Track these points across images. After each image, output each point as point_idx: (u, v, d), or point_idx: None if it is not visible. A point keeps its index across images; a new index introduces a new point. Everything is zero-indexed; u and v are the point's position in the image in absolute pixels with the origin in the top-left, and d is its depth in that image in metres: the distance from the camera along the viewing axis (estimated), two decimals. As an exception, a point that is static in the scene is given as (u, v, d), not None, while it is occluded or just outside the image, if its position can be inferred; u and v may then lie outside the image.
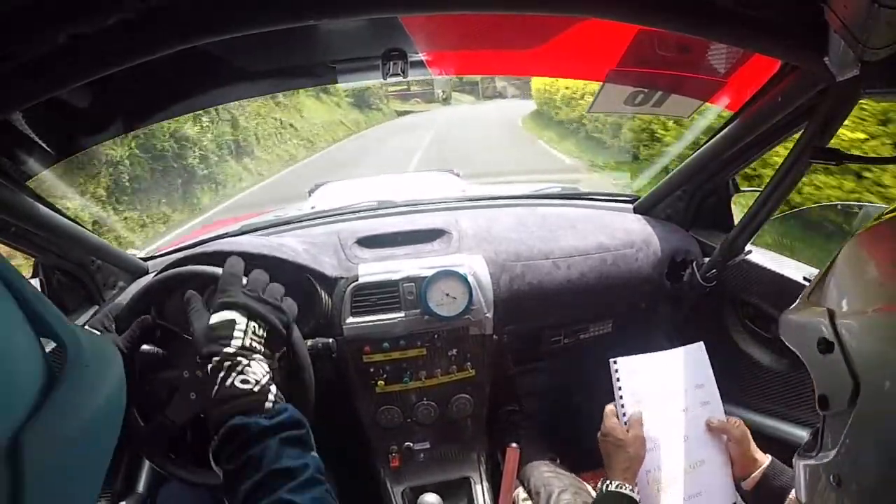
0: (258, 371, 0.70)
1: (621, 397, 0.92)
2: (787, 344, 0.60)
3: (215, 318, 0.74)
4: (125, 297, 1.06)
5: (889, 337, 0.46)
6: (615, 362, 0.93)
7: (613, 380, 0.93)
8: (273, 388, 0.70)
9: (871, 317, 0.47)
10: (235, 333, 0.72)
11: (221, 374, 0.69)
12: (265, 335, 0.75)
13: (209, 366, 0.70)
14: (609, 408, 0.92)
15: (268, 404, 0.67)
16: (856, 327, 0.49)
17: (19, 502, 0.24)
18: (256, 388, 0.68)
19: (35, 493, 0.25)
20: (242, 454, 0.62)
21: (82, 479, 0.31)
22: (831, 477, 0.50)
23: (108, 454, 0.34)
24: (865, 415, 0.46)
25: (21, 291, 0.29)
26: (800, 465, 0.57)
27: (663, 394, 0.93)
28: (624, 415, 0.90)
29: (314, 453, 0.65)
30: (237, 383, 0.68)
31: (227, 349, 0.71)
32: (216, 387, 0.68)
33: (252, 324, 0.74)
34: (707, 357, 0.98)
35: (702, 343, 0.99)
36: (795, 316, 0.59)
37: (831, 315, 0.52)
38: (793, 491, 0.81)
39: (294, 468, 0.61)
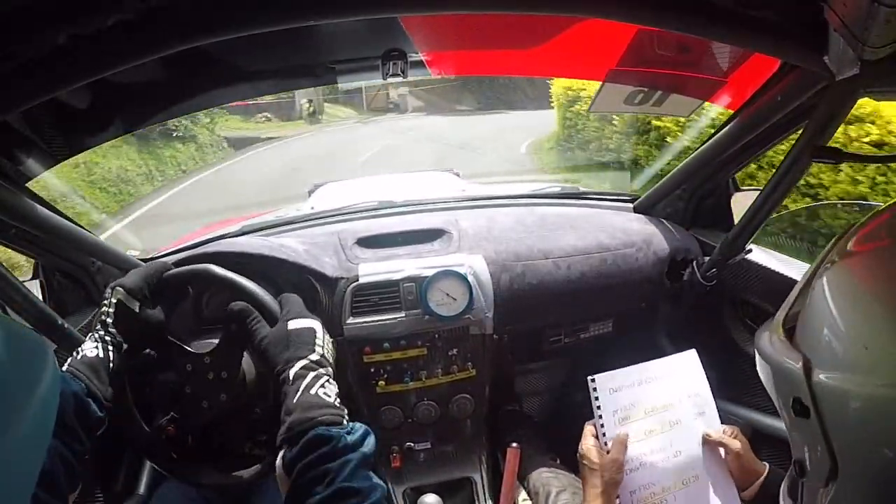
0: (335, 389, 0.72)
1: (601, 416, 0.87)
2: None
3: (295, 324, 0.76)
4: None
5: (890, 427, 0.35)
6: (592, 380, 0.88)
7: (592, 398, 0.87)
8: (344, 408, 0.70)
9: (872, 392, 0.36)
10: (317, 341, 0.75)
11: (306, 382, 0.70)
12: (335, 352, 0.78)
13: (292, 370, 0.71)
14: (588, 428, 0.87)
15: (345, 421, 0.68)
16: (842, 396, 0.39)
17: None
18: (337, 403, 0.69)
19: None
20: (320, 466, 0.62)
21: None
22: None
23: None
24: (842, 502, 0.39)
25: None
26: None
27: (650, 407, 0.88)
28: (604, 434, 0.86)
29: (377, 479, 0.65)
30: (321, 394, 0.69)
31: (311, 356, 0.72)
32: (299, 393, 0.69)
33: (327, 336, 0.77)
34: (700, 365, 0.93)
35: (694, 351, 0.94)
36: (769, 346, 0.49)
37: (807, 368, 0.41)
38: None
39: (364, 489, 0.61)
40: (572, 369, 1.61)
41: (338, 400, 0.70)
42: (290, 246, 1.17)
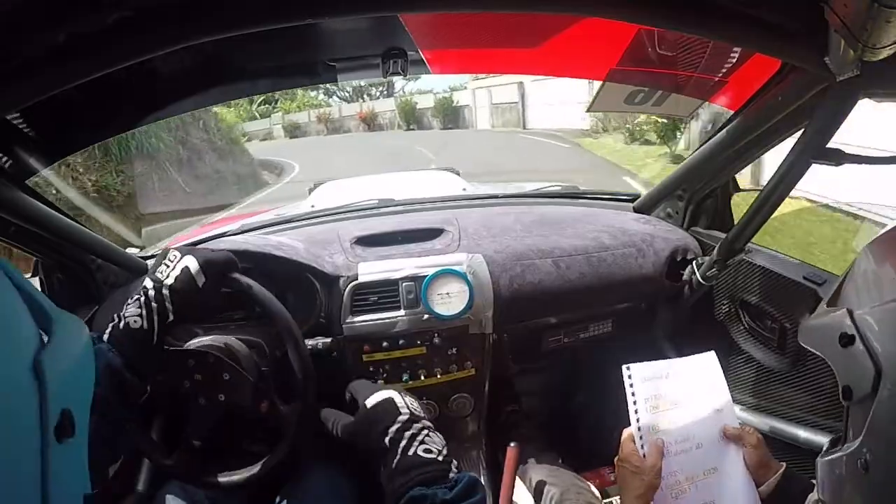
0: (438, 441, 0.69)
1: (635, 403, 0.88)
2: (807, 348, 0.62)
3: (373, 400, 0.75)
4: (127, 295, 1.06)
5: None
6: (628, 368, 0.90)
7: (626, 386, 0.89)
8: (453, 460, 0.68)
9: (889, 307, 0.51)
10: (399, 405, 0.73)
11: (403, 444, 0.68)
12: (421, 408, 0.76)
13: (386, 439, 0.69)
14: (627, 433, 0.89)
15: (451, 474, 0.66)
16: (874, 318, 0.52)
17: (44, 405, 0.34)
18: (440, 458, 0.67)
19: (53, 399, 0.34)
20: None
21: (79, 400, 0.39)
22: (858, 463, 0.52)
23: (90, 392, 0.42)
24: (889, 396, 0.49)
25: (15, 277, 0.38)
26: (823, 462, 0.59)
27: (675, 400, 0.91)
28: (638, 420, 0.87)
29: None
30: (420, 452, 0.67)
31: (401, 416, 0.71)
32: (398, 457, 0.67)
33: (409, 398, 0.76)
34: (719, 366, 0.95)
35: (713, 353, 0.96)
36: (816, 321, 0.62)
37: (850, 312, 0.55)
38: (810, 496, 0.80)
39: None
40: (572, 369, 1.61)
41: (442, 453, 0.68)
42: (289, 244, 1.17)
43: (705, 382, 0.94)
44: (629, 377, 0.90)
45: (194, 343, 0.93)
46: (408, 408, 0.73)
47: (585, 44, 0.90)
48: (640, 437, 0.87)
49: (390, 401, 0.74)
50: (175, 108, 1.02)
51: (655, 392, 0.90)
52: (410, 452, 0.67)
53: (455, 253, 1.21)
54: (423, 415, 0.73)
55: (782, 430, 1.14)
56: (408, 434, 0.69)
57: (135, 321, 0.77)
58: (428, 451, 0.67)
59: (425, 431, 0.70)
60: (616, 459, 0.88)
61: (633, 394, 0.89)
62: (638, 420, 0.88)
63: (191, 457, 0.90)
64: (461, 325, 1.17)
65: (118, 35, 0.58)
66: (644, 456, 0.85)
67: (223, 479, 0.89)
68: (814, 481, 0.82)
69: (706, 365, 0.95)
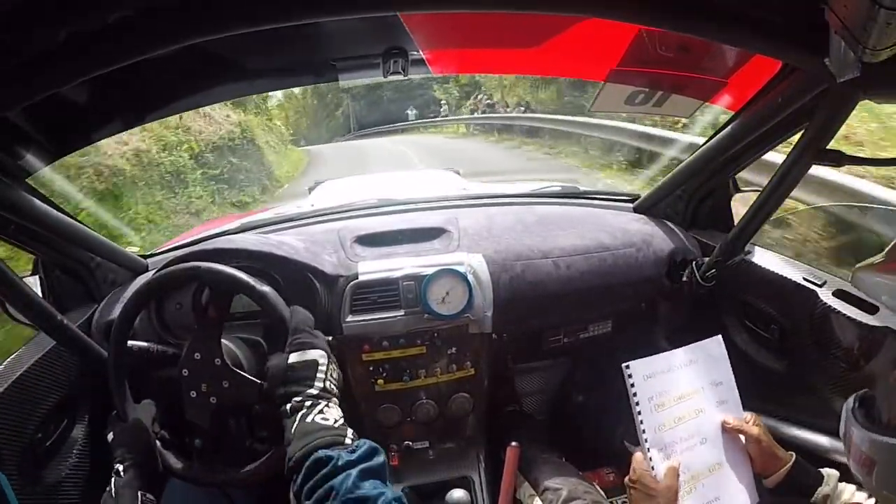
0: (335, 413, 0.73)
1: (637, 403, 0.84)
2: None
3: (295, 358, 0.77)
4: (126, 294, 1.06)
5: None
6: (627, 367, 0.86)
7: (628, 386, 0.85)
8: (349, 428, 0.72)
9: None
10: (318, 374, 0.76)
11: (302, 412, 0.72)
12: (340, 377, 0.79)
13: (288, 405, 0.73)
14: (637, 455, 0.85)
15: (347, 440, 0.70)
16: None
17: None
18: (336, 425, 0.72)
19: None
20: (324, 484, 0.64)
21: None
22: None
23: None
24: None
25: None
26: None
27: (679, 395, 0.88)
28: (641, 423, 0.84)
29: (389, 485, 0.67)
30: (317, 419, 0.72)
31: (310, 390, 0.74)
32: (296, 423, 0.71)
33: (332, 366, 0.78)
34: (725, 352, 0.92)
35: (720, 337, 0.93)
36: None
37: None
38: (819, 489, 0.79)
39: (372, 496, 0.62)
40: (572, 369, 1.61)
41: (338, 422, 0.72)
42: (289, 243, 1.17)
43: (710, 371, 0.91)
44: (629, 376, 0.85)
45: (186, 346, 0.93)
46: (324, 381, 0.75)
47: (586, 44, 0.90)
48: (648, 451, 0.84)
49: (311, 365, 0.76)
50: (175, 108, 1.02)
51: (659, 389, 0.87)
52: (308, 419, 0.71)
53: (455, 252, 1.21)
54: (335, 391, 0.76)
55: (782, 431, 1.14)
56: (308, 403, 0.73)
57: None
58: (325, 419, 0.72)
59: (325, 403, 0.73)
60: (627, 480, 0.85)
61: (635, 394, 0.85)
62: (644, 431, 0.84)
63: (198, 459, 0.90)
64: (461, 324, 1.17)
65: (118, 34, 0.58)
66: (656, 476, 0.82)
67: (228, 475, 0.89)
68: (821, 470, 0.83)
69: (711, 352, 0.92)
